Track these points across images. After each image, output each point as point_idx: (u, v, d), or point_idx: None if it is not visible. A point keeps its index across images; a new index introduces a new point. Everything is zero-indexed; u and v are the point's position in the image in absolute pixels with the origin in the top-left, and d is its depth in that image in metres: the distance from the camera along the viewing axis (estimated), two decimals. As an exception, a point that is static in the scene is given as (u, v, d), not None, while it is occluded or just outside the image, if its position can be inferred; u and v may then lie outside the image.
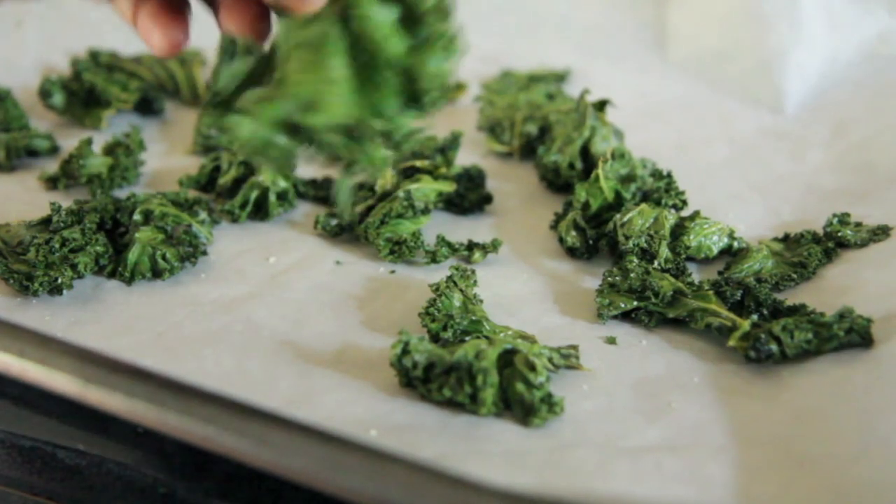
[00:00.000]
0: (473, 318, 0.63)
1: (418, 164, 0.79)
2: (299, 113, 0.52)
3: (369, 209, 0.76)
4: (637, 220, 0.72)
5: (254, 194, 0.78)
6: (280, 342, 0.64)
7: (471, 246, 0.74)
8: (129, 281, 0.70)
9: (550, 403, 0.56)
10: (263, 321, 0.66)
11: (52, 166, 0.86)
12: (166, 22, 0.55)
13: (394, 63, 0.52)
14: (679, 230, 0.73)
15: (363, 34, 0.51)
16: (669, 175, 0.77)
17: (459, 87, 1.05)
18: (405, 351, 0.58)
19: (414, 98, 0.53)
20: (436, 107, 0.54)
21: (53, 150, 0.89)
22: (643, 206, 0.73)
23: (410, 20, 0.52)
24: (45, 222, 0.72)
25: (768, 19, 1.01)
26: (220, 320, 0.66)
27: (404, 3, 0.52)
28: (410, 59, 0.52)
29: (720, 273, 0.71)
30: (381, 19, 0.51)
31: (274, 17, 0.54)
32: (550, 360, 0.60)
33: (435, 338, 0.62)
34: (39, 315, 0.65)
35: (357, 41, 0.52)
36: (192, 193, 0.81)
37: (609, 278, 0.68)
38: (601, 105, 0.84)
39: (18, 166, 0.87)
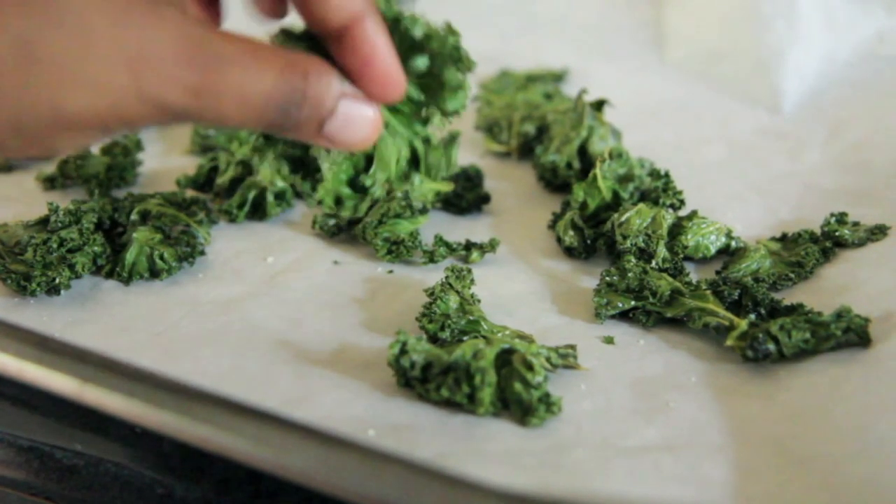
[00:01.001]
0: (471, 317, 0.63)
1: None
2: (362, 172, 0.56)
3: (367, 209, 0.76)
4: (635, 219, 0.72)
5: (251, 194, 0.78)
6: (278, 342, 0.64)
7: (468, 246, 0.74)
8: (127, 281, 0.70)
9: (548, 403, 0.56)
10: (261, 321, 0.66)
11: (49, 166, 0.86)
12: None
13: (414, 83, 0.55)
14: (677, 230, 0.73)
15: None
16: (667, 175, 0.77)
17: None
18: (403, 351, 0.58)
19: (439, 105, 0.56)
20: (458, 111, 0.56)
21: (51, 150, 0.89)
22: (641, 205, 0.73)
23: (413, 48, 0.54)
24: (43, 222, 0.72)
25: (766, 19, 1.01)
26: (217, 320, 0.66)
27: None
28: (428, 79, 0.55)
29: (718, 273, 0.71)
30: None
31: None
32: (548, 359, 0.60)
33: (433, 338, 0.62)
34: (37, 315, 0.65)
35: None
36: (190, 193, 0.81)
37: (607, 278, 0.68)
38: (599, 105, 0.84)
39: (16, 166, 0.87)
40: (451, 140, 0.57)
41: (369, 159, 0.55)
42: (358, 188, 0.56)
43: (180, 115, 0.46)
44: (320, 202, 0.55)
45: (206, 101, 0.46)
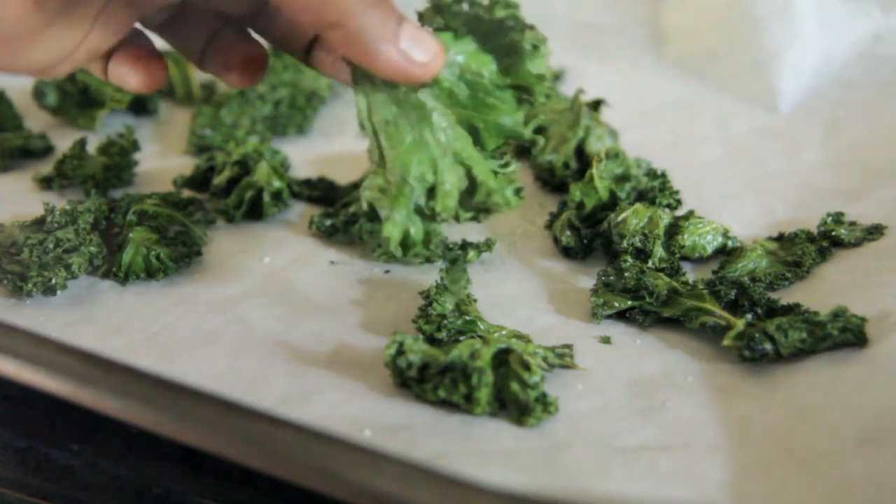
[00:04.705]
0: (468, 318, 0.63)
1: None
2: (424, 199, 0.58)
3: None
4: (632, 219, 0.72)
5: (248, 194, 0.78)
6: (274, 342, 0.64)
7: (465, 245, 0.74)
8: (124, 281, 0.70)
9: (545, 403, 0.56)
10: (258, 321, 0.66)
11: (46, 167, 0.86)
12: (143, 63, 0.58)
13: (496, 83, 0.57)
14: (673, 229, 0.73)
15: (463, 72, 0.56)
16: (664, 174, 0.77)
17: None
18: (400, 351, 0.58)
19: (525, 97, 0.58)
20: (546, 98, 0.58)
21: (48, 150, 0.89)
22: (638, 205, 0.73)
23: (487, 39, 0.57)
24: (39, 223, 0.72)
25: (762, 19, 1.02)
26: (214, 320, 0.66)
27: (475, 30, 0.56)
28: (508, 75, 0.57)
29: (714, 272, 0.71)
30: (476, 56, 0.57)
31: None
32: (545, 359, 0.60)
33: (430, 339, 0.62)
34: (33, 316, 0.65)
35: (452, 88, 0.56)
36: (187, 193, 0.81)
37: (604, 278, 0.68)
38: (596, 105, 0.84)
39: (13, 167, 0.87)
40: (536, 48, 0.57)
41: (431, 190, 0.57)
42: (424, 216, 0.58)
43: None
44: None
45: None
